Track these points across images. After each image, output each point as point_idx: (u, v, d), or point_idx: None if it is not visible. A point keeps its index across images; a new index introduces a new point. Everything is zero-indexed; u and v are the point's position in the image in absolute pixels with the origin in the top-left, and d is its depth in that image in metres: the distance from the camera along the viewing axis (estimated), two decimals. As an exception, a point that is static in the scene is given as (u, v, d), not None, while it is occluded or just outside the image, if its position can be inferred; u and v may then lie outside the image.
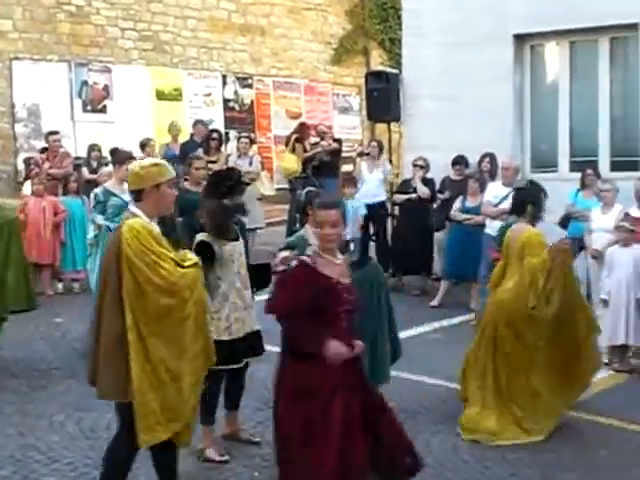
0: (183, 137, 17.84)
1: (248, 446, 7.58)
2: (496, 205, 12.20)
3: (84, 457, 7.23)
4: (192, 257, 5.93)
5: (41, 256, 13.75)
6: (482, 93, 14.11)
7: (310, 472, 5.48)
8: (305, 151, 17.21)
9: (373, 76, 16.73)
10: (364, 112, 19.56)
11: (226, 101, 22.75)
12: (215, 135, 16.37)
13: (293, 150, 17.28)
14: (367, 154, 15.88)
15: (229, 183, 7.50)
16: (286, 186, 18.13)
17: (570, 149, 14.23)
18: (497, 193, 12.30)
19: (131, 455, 5.87)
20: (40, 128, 19.23)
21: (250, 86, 23.33)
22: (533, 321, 8.11)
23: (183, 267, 5.73)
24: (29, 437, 7.72)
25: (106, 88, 20.47)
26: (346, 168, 19.40)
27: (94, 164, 15.81)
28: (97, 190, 11.01)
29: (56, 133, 15.96)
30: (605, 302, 10.44)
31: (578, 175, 12.75)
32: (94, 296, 7.65)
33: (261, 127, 23.42)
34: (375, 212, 14.86)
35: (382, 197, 15.14)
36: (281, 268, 7.09)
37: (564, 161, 14.25)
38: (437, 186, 14.25)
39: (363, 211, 14.12)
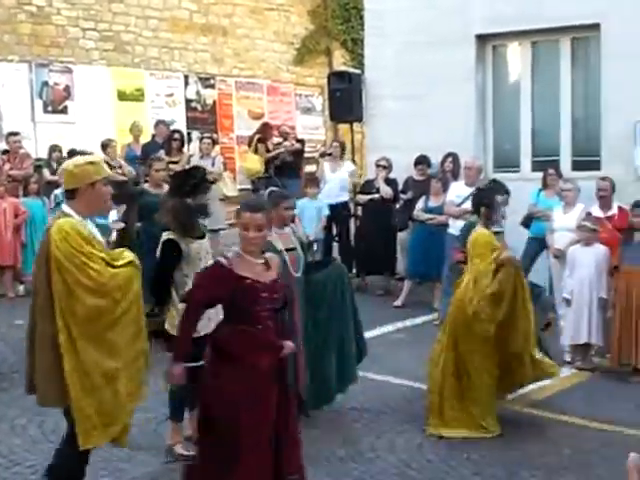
0: (145, 138, 17.74)
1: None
2: (459, 205, 12.24)
3: (45, 460, 7.07)
4: (128, 256, 5.82)
5: (2, 258, 13.67)
6: (444, 93, 14.13)
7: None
8: (268, 151, 17.21)
9: (336, 76, 16.74)
10: (327, 112, 19.51)
11: (188, 101, 22.62)
12: (177, 136, 16.29)
13: (256, 151, 17.26)
14: (329, 154, 15.89)
15: (193, 182, 7.48)
16: (249, 187, 18.08)
17: (532, 149, 14.27)
18: (460, 193, 12.34)
19: (82, 456, 5.78)
20: (0, 129, 19.05)
21: (212, 86, 23.21)
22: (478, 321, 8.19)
23: (115, 267, 5.63)
24: (-10, 440, 7.64)
25: (67, 89, 20.27)
26: (309, 168, 19.40)
27: (55, 165, 15.66)
28: (57, 191, 10.97)
29: (16, 134, 15.86)
30: (567, 301, 10.50)
31: (540, 175, 12.80)
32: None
33: (223, 127, 23.30)
34: (338, 212, 14.88)
35: (345, 197, 15.13)
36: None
37: (526, 161, 14.29)
38: (400, 186, 14.26)
39: (326, 211, 14.13)
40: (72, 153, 13.38)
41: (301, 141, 18.69)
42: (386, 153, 14.39)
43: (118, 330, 5.61)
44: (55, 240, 5.46)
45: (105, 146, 15.91)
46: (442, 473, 7.25)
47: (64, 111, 20.16)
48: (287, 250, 8.05)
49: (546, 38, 14.11)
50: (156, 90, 21.91)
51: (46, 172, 15.67)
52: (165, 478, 7.00)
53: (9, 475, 6.96)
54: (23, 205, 14.03)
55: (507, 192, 11.48)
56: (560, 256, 11.14)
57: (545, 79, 14.24)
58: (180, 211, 7.26)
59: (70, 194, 5.73)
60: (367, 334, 9.11)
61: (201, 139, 17.54)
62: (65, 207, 5.73)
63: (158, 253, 7.37)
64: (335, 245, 15.25)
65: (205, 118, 22.90)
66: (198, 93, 22.81)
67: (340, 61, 26.12)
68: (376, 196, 14.33)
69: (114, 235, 10.46)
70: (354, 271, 14.45)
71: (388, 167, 14.30)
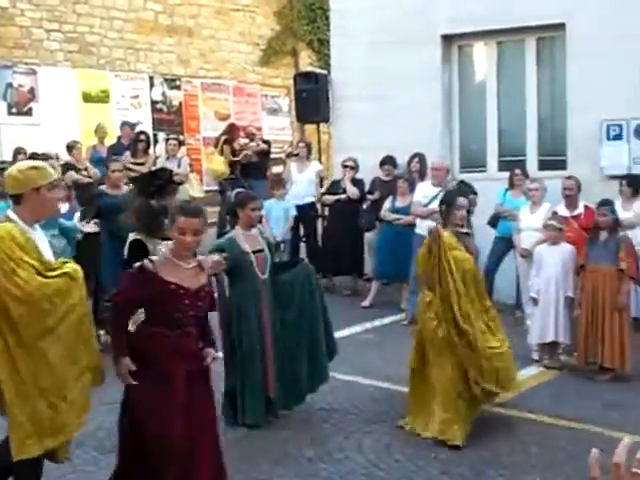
0: (110, 139, 17.65)
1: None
2: (426, 205, 12.25)
3: None
4: (67, 267, 5.68)
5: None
6: (410, 93, 14.13)
7: None
8: (233, 152, 17.16)
9: (302, 77, 16.70)
10: (293, 113, 19.49)
11: (154, 103, 22.51)
12: (142, 137, 16.24)
13: (222, 152, 17.22)
14: (296, 155, 15.86)
15: (158, 182, 7.46)
16: (215, 188, 18.05)
17: (499, 149, 14.29)
18: (427, 193, 12.35)
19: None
20: (-36, 131, 18.92)
21: (178, 87, 23.12)
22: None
23: (47, 277, 5.50)
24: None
25: (32, 90, 20.13)
26: (276, 169, 19.37)
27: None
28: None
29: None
30: (534, 300, 10.53)
31: (507, 175, 12.84)
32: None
33: (190, 129, 23.22)
34: (305, 213, 14.86)
35: (312, 198, 15.12)
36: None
37: (493, 161, 14.32)
38: (367, 187, 14.26)
39: (293, 212, 14.11)
40: (34, 156, 13.25)
41: (267, 142, 18.68)
42: (353, 153, 14.38)
43: (50, 340, 5.46)
44: None
45: (70, 148, 15.81)
46: (410, 473, 7.25)
47: (29, 113, 20.01)
48: (254, 252, 8.04)
49: (512, 38, 14.14)
50: (121, 92, 21.79)
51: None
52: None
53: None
54: (-13, 207, 13.90)
55: (475, 193, 11.51)
56: (527, 255, 11.19)
57: (511, 79, 14.28)
58: (144, 212, 7.23)
59: (15, 199, 5.65)
60: (335, 334, 9.10)
61: (167, 140, 17.51)
62: (10, 212, 5.65)
63: (125, 253, 7.33)
64: (302, 246, 15.23)
65: (171, 119, 22.81)
66: (164, 94, 22.71)
67: (306, 62, 26.09)
68: (343, 196, 14.32)
69: (79, 236, 10.35)
70: (321, 272, 14.42)
71: (355, 167, 14.29)
